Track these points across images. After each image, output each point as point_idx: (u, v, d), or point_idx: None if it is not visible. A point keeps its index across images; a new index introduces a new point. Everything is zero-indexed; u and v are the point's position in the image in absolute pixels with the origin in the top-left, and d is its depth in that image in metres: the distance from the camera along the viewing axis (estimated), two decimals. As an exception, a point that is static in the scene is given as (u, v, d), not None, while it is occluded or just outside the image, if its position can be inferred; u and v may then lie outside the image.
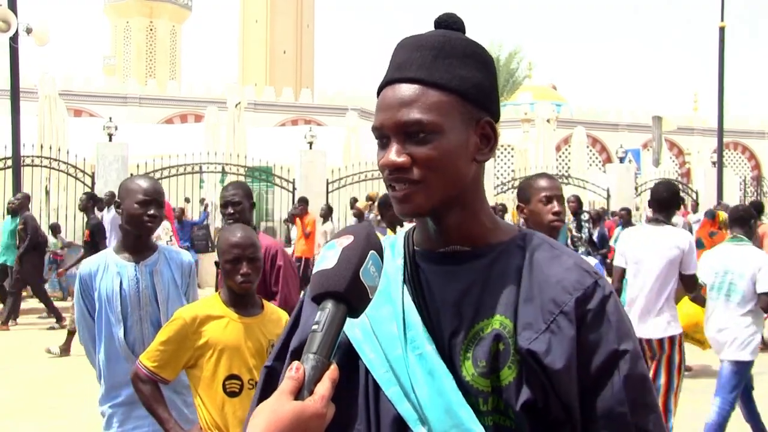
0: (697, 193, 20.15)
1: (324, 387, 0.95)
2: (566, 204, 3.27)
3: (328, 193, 16.32)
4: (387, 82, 1.17)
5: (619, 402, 1.09)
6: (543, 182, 3.27)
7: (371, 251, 1.04)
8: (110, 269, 3.12)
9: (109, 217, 11.24)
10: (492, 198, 17.90)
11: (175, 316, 2.74)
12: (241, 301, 2.74)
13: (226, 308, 2.72)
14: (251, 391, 2.61)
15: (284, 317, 2.81)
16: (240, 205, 3.87)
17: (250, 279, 2.68)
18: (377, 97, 1.19)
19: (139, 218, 3.07)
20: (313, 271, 1.04)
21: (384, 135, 1.16)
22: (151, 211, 3.07)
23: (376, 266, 1.05)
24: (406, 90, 1.14)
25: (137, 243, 3.16)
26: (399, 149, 1.13)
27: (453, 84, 1.14)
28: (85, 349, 3.29)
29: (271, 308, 2.85)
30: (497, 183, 19.63)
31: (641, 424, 1.10)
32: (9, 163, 12.02)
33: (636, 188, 19.74)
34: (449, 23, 1.21)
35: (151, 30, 53.77)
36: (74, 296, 3.31)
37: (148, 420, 2.87)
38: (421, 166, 1.12)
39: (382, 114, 1.15)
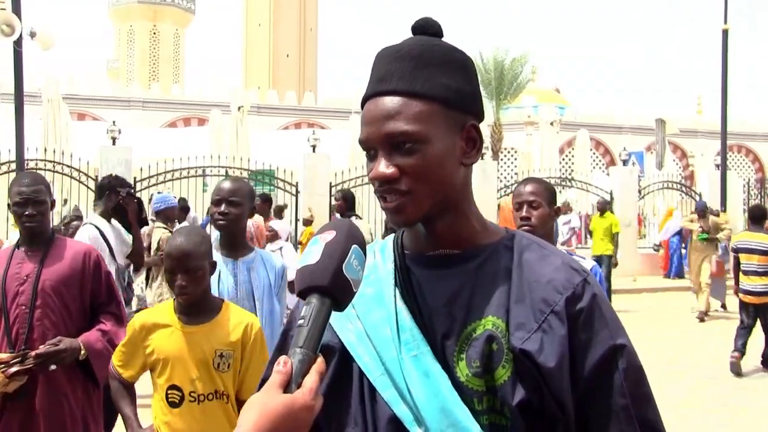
0: (700, 195, 20.10)
1: (312, 380, 0.96)
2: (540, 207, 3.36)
3: (331, 196, 16.32)
4: (369, 96, 1.18)
5: (622, 395, 1.12)
6: (519, 188, 3.40)
7: (354, 245, 1.06)
8: None
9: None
10: (494, 201, 17.86)
11: (131, 321, 2.73)
12: (190, 308, 2.66)
13: (174, 316, 2.64)
14: (192, 403, 2.56)
15: (246, 320, 2.71)
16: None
17: (186, 291, 2.59)
18: (361, 109, 1.20)
19: (212, 216, 3.22)
20: (298, 267, 1.06)
21: (371, 147, 1.17)
22: (221, 208, 3.16)
23: (359, 260, 1.07)
24: (389, 102, 1.15)
25: (232, 242, 3.24)
26: (387, 162, 1.14)
27: (434, 92, 1.15)
28: None
29: (230, 313, 2.72)
30: (500, 186, 19.61)
31: (641, 413, 1.14)
32: (13, 166, 12.07)
33: (639, 191, 19.69)
34: (426, 28, 1.21)
35: (154, 34, 53.91)
36: None
37: None
38: (410, 176, 1.14)
39: (367, 128, 1.16)
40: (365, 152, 1.19)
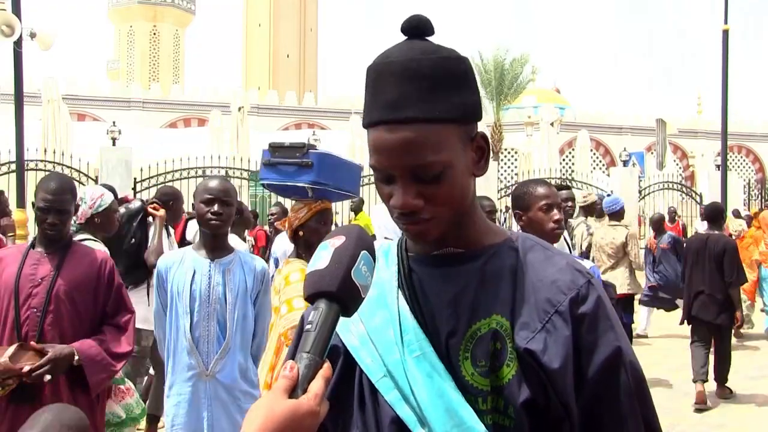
0: (701, 196, 20.12)
1: (317, 385, 0.96)
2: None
3: (331, 196, 16.33)
4: (383, 122, 1.10)
5: (629, 395, 1.13)
6: (542, 190, 3.26)
7: (363, 251, 1.06)
8: (185, 264, 3.26)
9: None
10: (494, 202, 17.85)
11: None
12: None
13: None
14: None
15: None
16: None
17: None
18: (366, 128, 1.14)
19: (203, 216, 3.23)
20: (307, 271, 1.06)
21: (389, 174, 1.13)
22: (215, 208, 3.18)
23: (368, 266, 1.06)
24: (410, 132, 1.09)
25: (213, 242, 3.28)
26: (410, 190, 1.11)
27: (453, 114, 1.11)
28: (158, 342, 3.45)
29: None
30: (500, 186, 19.61)
31: (645, 413, 1.15)
32: (13, 167, 12.07)
33: (640, 191, 19.69)
34: (422, 30, 1.14)
35: (154, 34, 53.92)
36: (153, 290, 3.45)
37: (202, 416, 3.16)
38: (434, 203, 1.12)
39: (385, 157, 1.11)
40: (376, 174, 1.14)
